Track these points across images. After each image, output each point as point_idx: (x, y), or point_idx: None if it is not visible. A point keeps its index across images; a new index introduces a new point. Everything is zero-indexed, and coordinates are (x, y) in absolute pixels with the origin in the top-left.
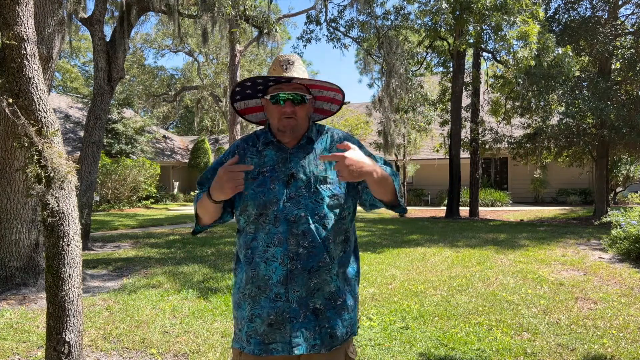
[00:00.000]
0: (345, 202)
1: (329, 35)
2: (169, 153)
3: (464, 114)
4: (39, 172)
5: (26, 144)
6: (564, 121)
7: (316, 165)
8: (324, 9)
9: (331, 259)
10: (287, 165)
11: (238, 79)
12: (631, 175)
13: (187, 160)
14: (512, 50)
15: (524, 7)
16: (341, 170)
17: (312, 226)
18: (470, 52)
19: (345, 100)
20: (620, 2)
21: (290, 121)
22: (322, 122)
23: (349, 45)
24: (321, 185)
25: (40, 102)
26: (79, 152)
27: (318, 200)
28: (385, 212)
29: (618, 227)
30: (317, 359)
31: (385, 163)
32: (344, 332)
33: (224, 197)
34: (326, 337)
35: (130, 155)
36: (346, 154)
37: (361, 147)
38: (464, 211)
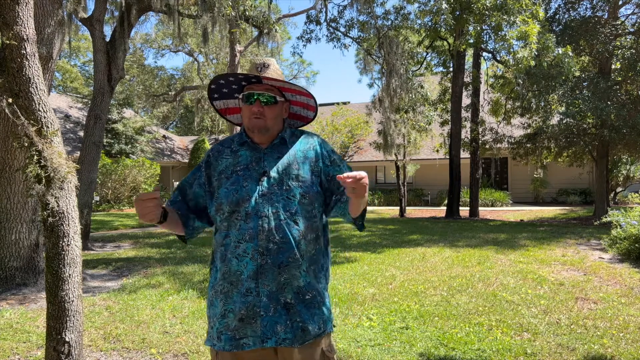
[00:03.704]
0: (317, 201)
1: (329, 35)
2: (169, 153)
3: (464, 114)
4: (39, 172)
5: (26, 144)
6: (564, 121)
7: (289, 164)
8: (324, 9)
9: (301, 255)
10: (261, 164)
11: None
12: (631, 175)
13: (187, 160)
14: (512, 50)
15: (524, 7)
16: (357, 188)
17: (283, 222)
18: (470, 52)
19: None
20: (620, 2)
21: (258, 121)
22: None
23: (349, 45)
24: (293, 182)
25: (40, 102)
26: (79, 152)
27: (290, 197)
28: (385, 212)
29: (618, 227)
30: (292, 353)
31: None
32: (315, 327)
33: (147, 222)
34: (298, 331)
35: (130, 155)
36: (362, 174)
37: (333, 152)
38: (464, 211)
